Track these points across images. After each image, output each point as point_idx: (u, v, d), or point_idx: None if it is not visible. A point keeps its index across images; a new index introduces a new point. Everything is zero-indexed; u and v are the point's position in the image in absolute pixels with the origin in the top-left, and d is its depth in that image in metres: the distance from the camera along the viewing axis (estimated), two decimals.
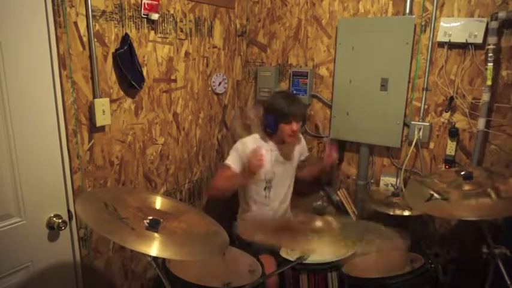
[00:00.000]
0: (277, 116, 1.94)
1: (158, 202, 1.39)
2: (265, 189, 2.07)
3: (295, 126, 1.94)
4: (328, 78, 2.33)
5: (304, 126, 2.40)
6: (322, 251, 1.64)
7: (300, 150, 2.22)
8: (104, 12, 1.63)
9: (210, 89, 2.32)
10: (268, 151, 2.01)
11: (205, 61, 2.24)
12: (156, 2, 1.82)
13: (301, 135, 2.27)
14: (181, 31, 2.04)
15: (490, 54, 1.79)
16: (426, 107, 2.07)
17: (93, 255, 1.76)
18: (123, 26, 1.72)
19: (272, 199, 2.09)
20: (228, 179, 1.95)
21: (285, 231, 1.62)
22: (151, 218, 1.21)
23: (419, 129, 2.06)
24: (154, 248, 1.09)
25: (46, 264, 1.55)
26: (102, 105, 1.65)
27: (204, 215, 1.50)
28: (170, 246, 1.15)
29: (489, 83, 1.82)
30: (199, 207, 2.40)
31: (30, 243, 1.49)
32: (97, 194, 1.39)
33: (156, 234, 1.15)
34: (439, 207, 1.48)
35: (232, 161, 1.96)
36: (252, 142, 2.01)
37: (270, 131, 2.02)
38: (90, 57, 1.59)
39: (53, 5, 1.42)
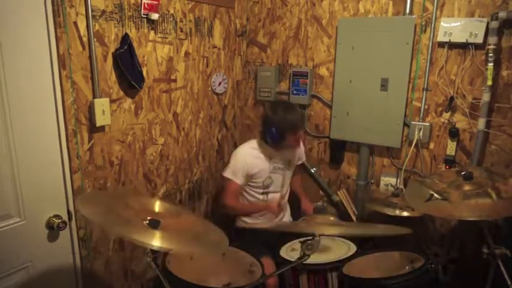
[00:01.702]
0: (283, 128, 1.93)
1: (156, 206, 1.39)
2: (262, 194, 2.08)
3: (300, 134, 2.02)
4: (328, 78, 2.33)
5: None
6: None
7: (299, 154, 2.25)
8: (103, 12, 1.62)
9: (210, 89, 2.32)
10: (266, 160, 2.03)
11: (205, 61, 2.24)
12: (156, 2, 1.82)
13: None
14: (181, 31, 2.04)
15: (491, 54, 1.79)
16: (426, 107, 2.07)
17: (93, 256, 1.75)
18: (123, 26, 1.71)
19: (270, 202, 2.09)
20: (245, 208, 2.10)
21: None
22: (150, 218, 1.21)
23: (420, 129, 2.06)
24: (157, 240, 1.10)
25: (46, 265, 1.55)
26: (102, 105, 1.65)
27: (202, 219, 1.51)
28: (173, 240, 1.16)
29: (489, 83, 1.82)
30: (199, 208, 2.40)
31: (30, 244, 1.49)
32: (96, 195, 1.40)
33: (157, 232, 1.16)
34: (439, 208, 1.47)
35: (233, 175, 2.00)
36: (249, 152, 2.04)
37: (272, 143, 1.99)
38: (90, 57, 1.59)
39: (53, 5, 1.42)
